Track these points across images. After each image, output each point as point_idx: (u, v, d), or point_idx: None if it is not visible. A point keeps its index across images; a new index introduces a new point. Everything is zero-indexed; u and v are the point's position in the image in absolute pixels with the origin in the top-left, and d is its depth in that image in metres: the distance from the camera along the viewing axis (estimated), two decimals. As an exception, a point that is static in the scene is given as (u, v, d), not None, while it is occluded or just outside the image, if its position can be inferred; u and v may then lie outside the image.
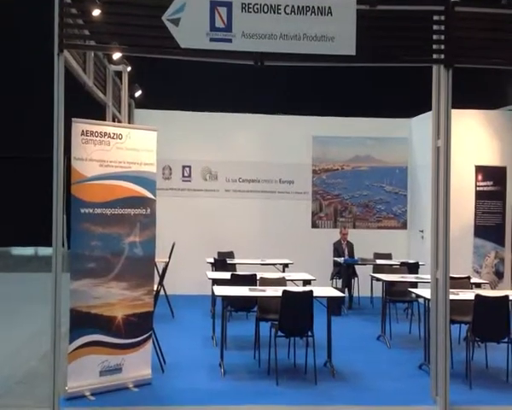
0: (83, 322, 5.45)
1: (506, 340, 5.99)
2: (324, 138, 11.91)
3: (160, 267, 7.73)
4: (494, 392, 5.85)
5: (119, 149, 5.68)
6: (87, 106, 8.05)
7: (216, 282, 7.70)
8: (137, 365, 5.78)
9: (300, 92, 12.99)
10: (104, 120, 8.29)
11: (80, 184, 5.44)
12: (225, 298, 6.53)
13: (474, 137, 10.64)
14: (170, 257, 8.65)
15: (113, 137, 5.65)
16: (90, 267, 5.49)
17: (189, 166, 11.65)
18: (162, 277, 7.20)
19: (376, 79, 11.42)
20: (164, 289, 8.64)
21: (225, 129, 11.73)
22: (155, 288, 6.30)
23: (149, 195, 5.88)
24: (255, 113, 11.79)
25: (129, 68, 9.03)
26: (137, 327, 5.80)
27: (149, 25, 5.03)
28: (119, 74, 9.14)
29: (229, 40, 4.93)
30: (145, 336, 5.88)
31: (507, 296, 6.08)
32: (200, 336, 7.95)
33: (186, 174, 11.65)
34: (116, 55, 7.91)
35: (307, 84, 12.74)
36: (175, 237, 9.53)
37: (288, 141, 11.75)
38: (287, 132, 11.77)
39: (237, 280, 7.35)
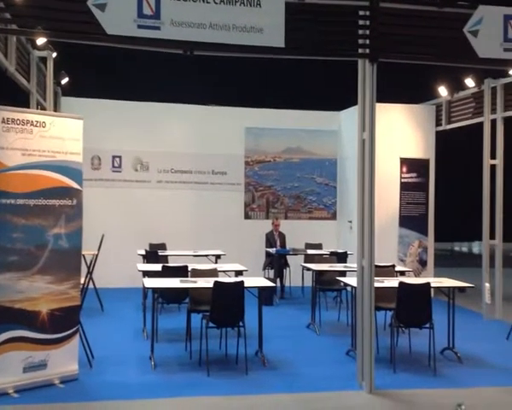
0: (5, 317, 5.23)
1: (428, 326, 6.23)
2: (257, 130, 11.98)
3: (89, 260, 7.54)
4: (416, 376, 6.09)
5: (43, 137, 5.48)
6: (9, 93, 7.72)
7: (147, 274, 7.61)
8: (63, 360, 5.62)
9: (233, 83, 13.01)
10: (28, 107, 7.96)
11: (1, 173, 5.20)
12: (155, 290, 6.46)
13: (399, 131, 11.02)
14: (99, 249, 8.43)
15: (36, 125, 5.44)
16: (13, 260, 5.28)
17: (120, 157, 11.41)
18: (90, 269, 7.02)
19: (308, 72, 11.61)
20: (93, 283, 8.44)
21: (157, 119, 11.57)
22: (82, 281, 6.14)
23: (75, 185, 5.71)
24: (187, 103, 11.70)
25: (54, 54, 8.69)
26: (63, 322, 5.63)
27: (74, 9, 4.86)
28: (44, 60, 8.79)
29: (158, 28, 4.85)
30: (71, 330, 5.72)
31: (429, 284, 6.34)
32: (130, 329, 7.83)
33: (116, 164, 11.41)
34: (40, 41, 7.61)
35: (240, 76, 12.78)
36: (105, 228, 9.25)
37: (221, 132, 11.74)
38: (219, 123, 11.75)
39: (168, 272, 7.28)
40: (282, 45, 5.10)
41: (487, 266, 9.17)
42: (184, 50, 4.99)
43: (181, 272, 7.24)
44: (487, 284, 9.03)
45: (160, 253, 9.42)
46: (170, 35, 4.87)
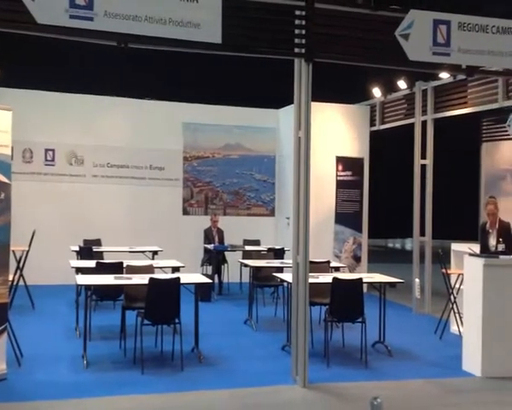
0: None
1: (360, 320, 6.40)
2: (195, 125, 11.92)
3: (19, 256, 7.28)
4: (349, 369, 6.25)
5: (-32, 129, 5.25)
6: None
7: (81, 271, 7.43)
8: (-10, 360, 5.42)
9: (171, 78, 12.87)
10: (-46, 97, 7.59)
11: None
12: (88, 287, 6.32)
13: (335, 130, 11.27)
14: (30, 245, 8.16)
15: (-40, 116, 5.20)
16: None
17: (53, 150, 11.07)
18: (20, 266, 6.79)
19: (247, 69, 11.64)
20: (23, 279, 8.16)
21: (93, 112, 11.30)
22: (11, 278, 5.93)
23: (3, 178, 5.49)
24: (124, 96, 11.49)
25: (-17, 43, 8.32)
26: (-10, 320, 5.42)
27: (3, -4, 4.68)
28: (-29, 48, 8.40)
29: (91, 19, 4.73)
30: (-1, 329, 5.52)
31: (361, 279, 6.51)
32: (62, 327, 7.63)
33: (49, 158, 11.06)
34: (-33, 27, 7.25)
35: (178, 71, 12.67)
36: (37, 224, 9.04)
37: (159, 127, 11.61)
38: (157, 118, 11.62)
39: (103, 268, 7.14)
40: (219, 41, 5.09)
41: (417, 262, 9.51)
42: (118, 43, 4.90)
43: (116, 268, 7.11)
44: (417, 280, 9.37)
45: (95, 249, 9.24)
46: (103, 26, 4.77)
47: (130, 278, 6.57)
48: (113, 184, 11.38)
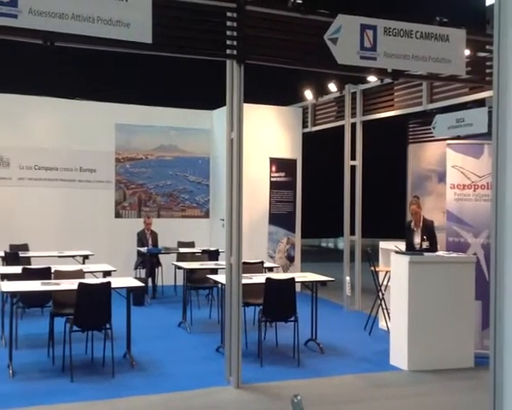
0: None
1: (293, 319, 6.49)
2: (128, 126, 11.70)
3: None
4: (282, 368, 6.32)
5: None
6: None
7: (6, 277, 7.13)
8: None
9: (102, 78, 12.61)
10: None
11: None
12: (14, 294, 6.07)
13: (268, 131, 11.37)
14: (-50, 252, 7.77)
15: None
16: None
17: (-24, 152, 10.59)
18: None
19: (182, 69, 11.58)
20: None
21: (19, 112, 10.87)
22: None
23: None
24: (53, 96, 11.13)
25: None
26: None
27: None
28: None
29: (15, 16, 4.56)
30: None
31: (293, 279, 6.60)
32: (-14, 336, 7.29)
33: (-28, 160, 10.57)
34: None
35: (111, 71, 12.43)
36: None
37: (90, 128, 11.31)
38: (88, 119, 11.32)
39: (29, 274, 6.88)
40: (149, 41, 5.03)
41: (348, 260, 9.76)
42: (44, 41, 4.74)
43: (43, 274, 6.87)
44: (348, 278, 9.62)
45: (22, 254, 8.88)
46: (28, 24, 4.60)
47: (58, 284, 6.36)
48: (42, 187, 10.98)
